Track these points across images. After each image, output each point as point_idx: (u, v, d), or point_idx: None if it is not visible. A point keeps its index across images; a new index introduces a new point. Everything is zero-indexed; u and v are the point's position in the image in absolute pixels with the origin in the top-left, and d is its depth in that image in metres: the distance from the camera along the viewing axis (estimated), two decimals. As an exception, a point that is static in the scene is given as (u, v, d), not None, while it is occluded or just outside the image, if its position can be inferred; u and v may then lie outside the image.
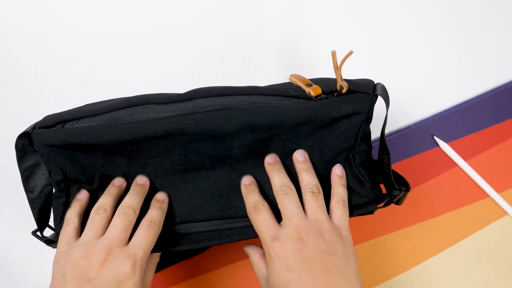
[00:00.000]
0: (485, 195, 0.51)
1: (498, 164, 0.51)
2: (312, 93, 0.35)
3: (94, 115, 0.34)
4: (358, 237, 0.50)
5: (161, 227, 0.35)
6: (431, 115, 0.52)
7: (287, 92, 0.35)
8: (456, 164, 0.51)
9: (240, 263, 0.49)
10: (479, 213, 0.50)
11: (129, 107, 0.35)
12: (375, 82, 0.37)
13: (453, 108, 0.52)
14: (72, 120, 0.35)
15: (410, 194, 0.50)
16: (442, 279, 0.48)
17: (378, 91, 0.35)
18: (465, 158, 0.51)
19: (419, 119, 0.52)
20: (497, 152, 0.51)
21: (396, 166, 0.51)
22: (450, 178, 0.51)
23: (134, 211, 0.34)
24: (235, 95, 0.35)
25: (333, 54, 0.34)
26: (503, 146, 0.52)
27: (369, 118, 0.36)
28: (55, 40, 0.53)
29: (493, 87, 0.53)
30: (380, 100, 0.37)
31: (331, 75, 0.39)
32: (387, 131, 0.52)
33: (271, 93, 0.35)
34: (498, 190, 0.51)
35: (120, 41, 0.53)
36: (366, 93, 0.35)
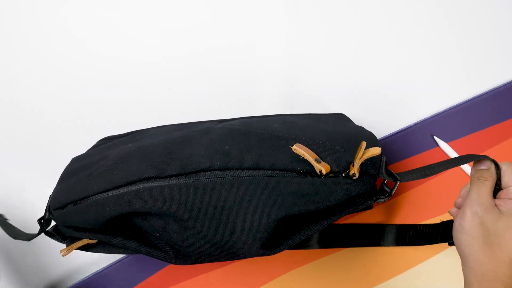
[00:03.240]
0: (485, 195, 0.51)
1: (498, 164, 0.51)
2: (323, 171, 0.35)
3: (100, 192, 0.36)
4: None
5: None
6: (431, 115, 0.52)
7: (295, 170, 0.36)
8: (456, 164, 0.51)
9: (240, 263, 0.49)
10: (479, 213, 0.50)
11: (138, 181, 0.36)
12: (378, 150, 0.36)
13: (453, 108, 0.52)
14: (80, 199, 0.36)
15: (410, 194, 0.50)
16: (442, 279, 0.48)
17: (383, 170, 0.37)
18: (465, 158, 0.51)
19: (419, 119, 0.52)
20: (497, 152, 0.51)
21: (396, 166, 0.51)
22: (450, 178, 0.51)
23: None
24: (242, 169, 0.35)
25: (362, 146, 0.34)
26: (503, 146, 0.51)
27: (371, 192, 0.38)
28: (55, 40, 0.53)
29: (493, 87, 0.53)
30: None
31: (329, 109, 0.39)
32: (387, 130, 0.52)
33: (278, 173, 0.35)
34: (498, 190, 0.51)
35: (121, 44, 0.53)
36: (373, 175, 0.36)
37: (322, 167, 0.35)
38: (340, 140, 0.38)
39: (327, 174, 0.35)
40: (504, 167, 0.37)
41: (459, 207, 0.39)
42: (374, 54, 0.54)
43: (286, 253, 0.49)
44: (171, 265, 0.49)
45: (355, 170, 0.35)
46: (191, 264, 0.37)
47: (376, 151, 0.34)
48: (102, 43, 0.53)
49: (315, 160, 0.35)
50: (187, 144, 0.38)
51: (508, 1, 0.54)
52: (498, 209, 0.35)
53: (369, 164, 0.36)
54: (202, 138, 0.39)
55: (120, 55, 0.53)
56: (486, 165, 0.37)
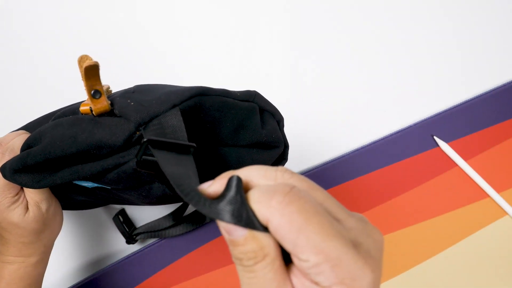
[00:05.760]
0: (485, 195, 0.51)
1: (498, 164, 0.51)
2: (94, 111, 0.28)
3: None
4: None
5: (17, 151, 0.34)
6: (431, 115, 0.52)
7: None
8: (456, 164, 0.51)
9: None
10: (479, 213, 0.50)
11: None
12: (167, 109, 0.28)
13: (453, 108, 0.52)
14: None
15: (410, 194, 0.50)
16: (442, 279, 0.48)
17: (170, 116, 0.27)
18: (465, 158, 0.51)
19: (419, 119, 0.52)
20: (497, 152, 0.51)
21: (396, 166, 0.51)
22: (450, 178, 0.51)
23: (0, 144, 0.35)
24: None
25: (79, 61, 0.26)
26: (503, 146, 0.52)
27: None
28: (55, 40, 0.53)
29: (493, 87, 0.53)
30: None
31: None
32: (387, 130, 0.52)
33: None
34: (498, 190, 0.51)
35: (117, 42, 0.53)
36: (127, 119, 0.27)
37: (93, 105, 0.28)
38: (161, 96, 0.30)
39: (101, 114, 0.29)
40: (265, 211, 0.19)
41: None
42: (374, 53, 0.54)
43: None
44: (171, 265, 0.49)
45: (89, 99, 0.27)
46: None
47: (92, 63, 0.25)
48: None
49: (92, 93, 0.27)
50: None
51: (508, 1, 0.54)
52: None
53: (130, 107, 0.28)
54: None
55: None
56: (238, 232, 0.19)
